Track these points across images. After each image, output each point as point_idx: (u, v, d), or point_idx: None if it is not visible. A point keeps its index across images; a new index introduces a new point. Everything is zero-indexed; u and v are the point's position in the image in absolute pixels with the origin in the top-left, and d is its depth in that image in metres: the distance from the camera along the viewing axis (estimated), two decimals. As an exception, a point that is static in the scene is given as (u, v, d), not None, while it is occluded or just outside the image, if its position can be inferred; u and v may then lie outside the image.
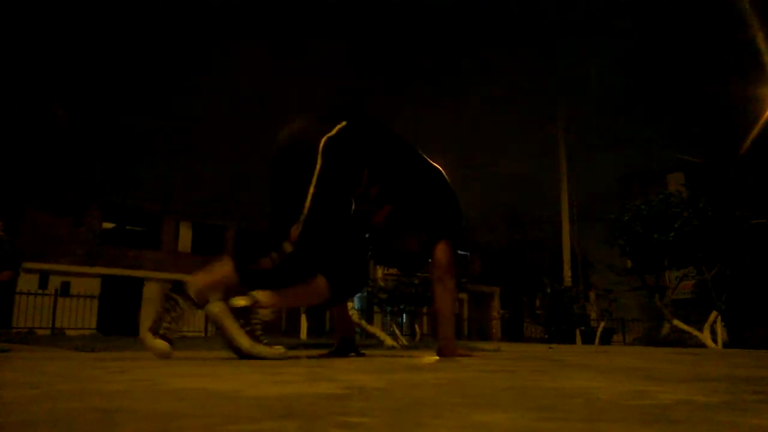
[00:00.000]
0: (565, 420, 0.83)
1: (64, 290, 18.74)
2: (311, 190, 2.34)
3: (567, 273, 20.91)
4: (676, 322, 9.62)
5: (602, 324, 14.83)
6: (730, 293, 9.62)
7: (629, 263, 10.43)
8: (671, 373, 1.90)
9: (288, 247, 2.39)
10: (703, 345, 8.44)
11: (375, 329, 5.84)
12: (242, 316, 2.23)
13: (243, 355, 2.22)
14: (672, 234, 8.77)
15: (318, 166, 2.35)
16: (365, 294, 16.27)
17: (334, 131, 2.43)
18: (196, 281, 2.31)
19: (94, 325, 18.06)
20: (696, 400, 1.09)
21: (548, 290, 19.31)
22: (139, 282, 22.45)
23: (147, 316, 19.28)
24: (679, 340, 10.34)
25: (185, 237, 24.50)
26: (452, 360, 2.56)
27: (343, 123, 2.48)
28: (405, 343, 5.40)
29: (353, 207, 2.49)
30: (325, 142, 2.39)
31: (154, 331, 2.23)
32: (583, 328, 16.40)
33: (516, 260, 32.48)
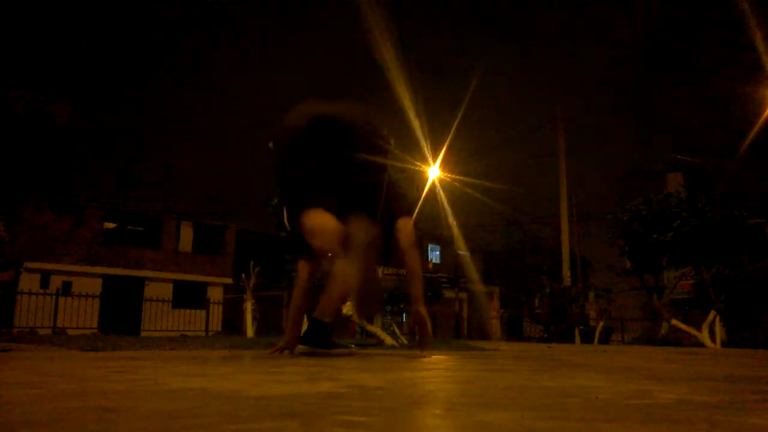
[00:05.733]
0: (564, 419, 0.83)
1: (66, 290, 18.72)
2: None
3: (566, 273, 20.90)
4: (674, 321, 9.63)
5: (601, 323, 14.82)
6: (728, 293, 9.62)
7: (628, 263, 10.43)
8: (670, 372, 1.90)
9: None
10: (701, 344, 8.44)
11: (375, 329, 5.83)
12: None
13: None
14: (671, 234, 8.77)
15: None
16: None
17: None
18: None
19: (95, 324, 18.04)
20: (695, 399, 1.09)
21: (548, 290, 19.31)
22: (140, 282, 22.44)
23: (148, 315, 19.29)
24: (678, 340, 10.34)
25: (186, 237, 24.49)
26: (452, 360, 2.56)
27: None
28: (405, 342, 5.40)
29: None
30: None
31: None
32: (582, 327, 16.40)
33: (515, 260, 32.45)
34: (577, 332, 15.87)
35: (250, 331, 10.95)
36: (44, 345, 3.87)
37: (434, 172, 16.44)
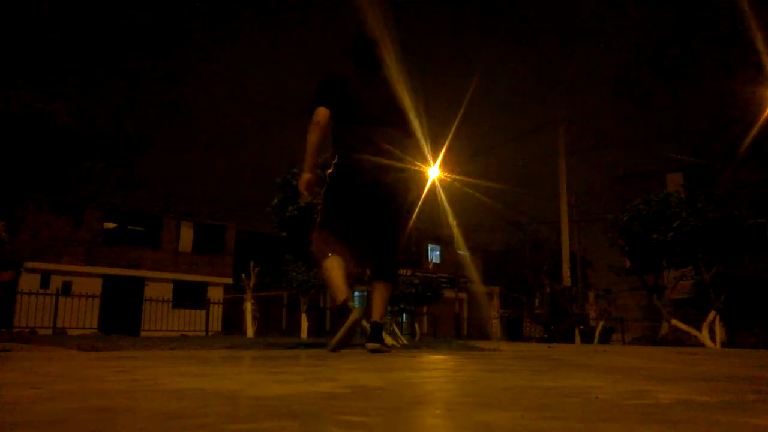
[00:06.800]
0: (564, 419, 0.83)
1: (66, 290, 18.72)
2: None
3: (566, 273, 20.91)
4: (674, 321, 9.63)
5: (601, 323, 14.82)
6: (728, 293, 9.62)
7: (628, 263, 10.43)
8: (670, 372, 1.91)
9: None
10: (701, 344, 8.44)
11: (375, 329, 5.81)
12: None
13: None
14: (671, 234, 8.77)
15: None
16: (365, 293, 16.30)
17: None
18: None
19: (95, 324, 18.04)
20: (695, 399, 1.09)
21: (548, 290, 19.31)
22: (140, 282, 22.45)
23: (148, 315, 19.29)
24: (678, 340, 10.35)
25: (186, 237, 24.49)
26: (452, 360, 2.57)
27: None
28: (405, 342, 5.41)
29: None
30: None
31: None
32: (582, 327, 16.40)
33: (516, 260, 32.47)
34: (577, 332, 15.88)
35: (250, 331, 10.95)
36: (44, 345, 3.88)
37: (434, 172, 16.45)
